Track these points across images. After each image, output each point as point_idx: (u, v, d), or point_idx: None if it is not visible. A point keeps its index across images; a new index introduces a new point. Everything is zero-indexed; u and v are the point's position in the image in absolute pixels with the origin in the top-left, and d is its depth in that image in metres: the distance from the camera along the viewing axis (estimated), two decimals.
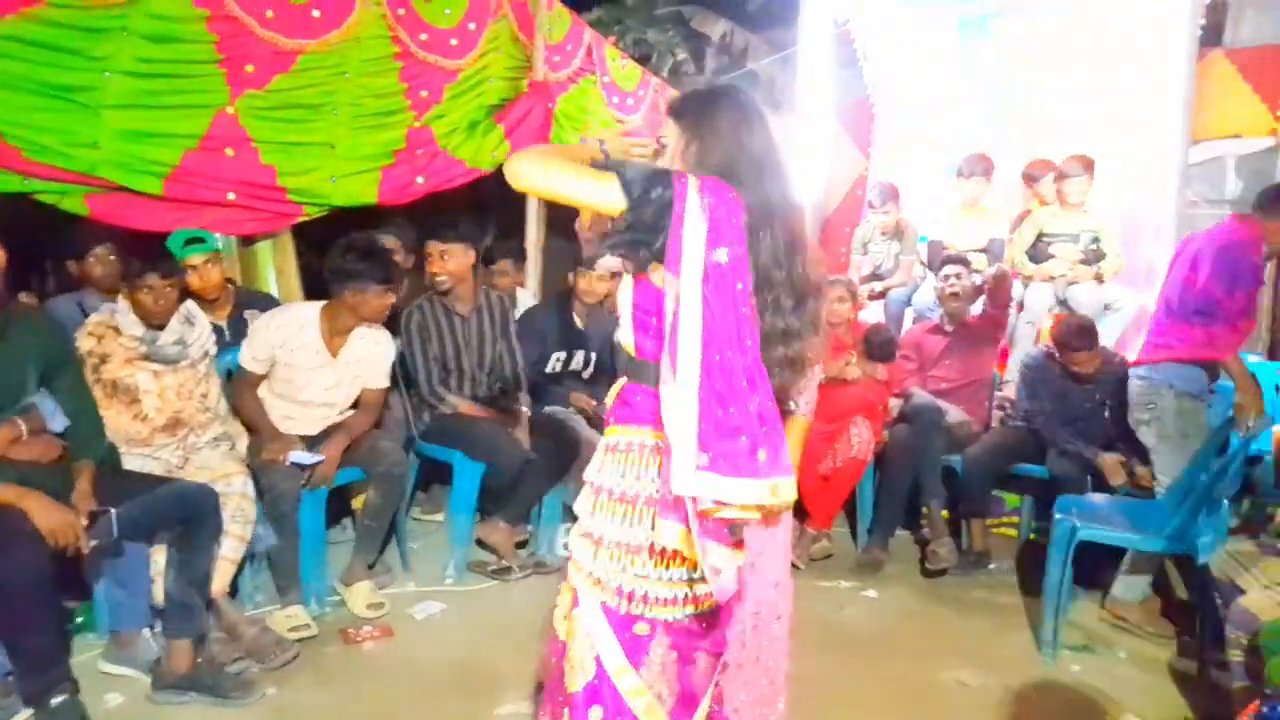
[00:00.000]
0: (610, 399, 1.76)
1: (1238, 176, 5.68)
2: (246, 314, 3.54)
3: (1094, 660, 3.16)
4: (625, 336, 1.71)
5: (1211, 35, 6.06)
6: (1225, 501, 3.21)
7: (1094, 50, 5.51)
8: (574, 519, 1.81)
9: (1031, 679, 3.00)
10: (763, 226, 1.66)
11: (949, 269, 4.36)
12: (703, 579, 1.57)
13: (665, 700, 1.68)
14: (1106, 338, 4.77)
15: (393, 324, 3.57)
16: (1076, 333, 3.92)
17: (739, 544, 1.60)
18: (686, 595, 1.67)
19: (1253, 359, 4.95)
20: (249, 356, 3.24)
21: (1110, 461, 3.74)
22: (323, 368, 3.28)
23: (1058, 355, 3.98)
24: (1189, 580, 3.27)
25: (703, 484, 1.48)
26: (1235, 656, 2.38)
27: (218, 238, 3.63)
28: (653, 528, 1.59)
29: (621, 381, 1.74)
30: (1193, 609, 3.32)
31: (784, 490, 1.57)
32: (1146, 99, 5.20)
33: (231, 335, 3.50)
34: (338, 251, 3.27)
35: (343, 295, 3.23)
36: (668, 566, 1.65)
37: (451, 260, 3.72)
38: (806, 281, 1.73)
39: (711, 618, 1.72)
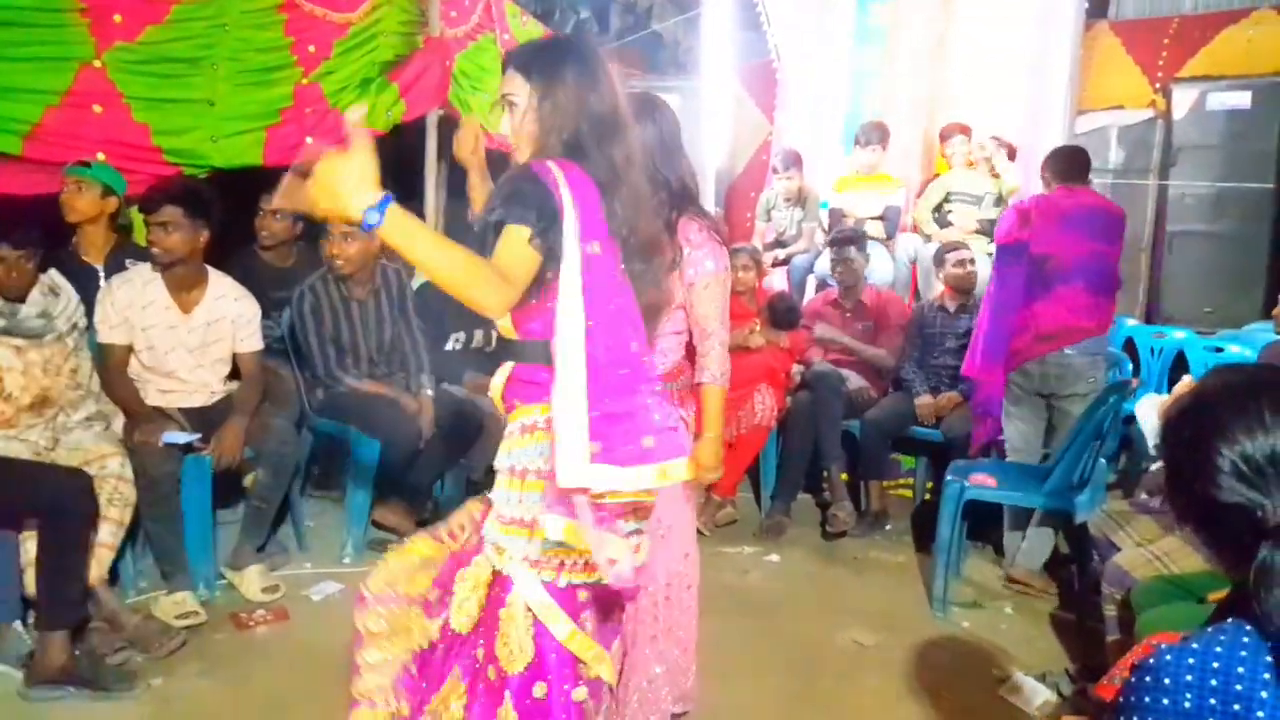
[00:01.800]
0: (500, 384, 1.69)
1: (1120, 147, 5.92)
2: (128, 262, 3.33)
3: (982, 615, 3.31)
4: (504, 320, 1.64)
5: (1096, 8, 6.27)
6: (1103, 461, 3.39)
7: (986, 18, 5.64)
8: (476, 495, 1.77)
9: (924, 636, 3.11)
10: (611, 193, 1.64)
11: (842, 251, 4.42)
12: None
13: None
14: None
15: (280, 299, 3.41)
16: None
17: (635, 533, 1.62)
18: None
19: (1130, 322, 5.23)
20: (104, 328, 3.05)
21: (923, 403, 4.06)
22: (176, 327, 3.12)
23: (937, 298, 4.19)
24: (1069, 536, 3.44)
25: (594, 476, 1.51)
26: (1110, 611, 2.51)
27: (110, 172, 3.40)
28: None
29: (510, 366, 1.68)
30: (1072, 563, 3.50)
31: (674, 471, 1.60)
32: (1034, 70, 5.36)
33: (107, 277, 3.29)
34: None
35: None
36: None
37: (354, 244, 3.54)
38: (651, 241, 1.76)
39: None
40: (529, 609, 1.61)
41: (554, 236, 1.54)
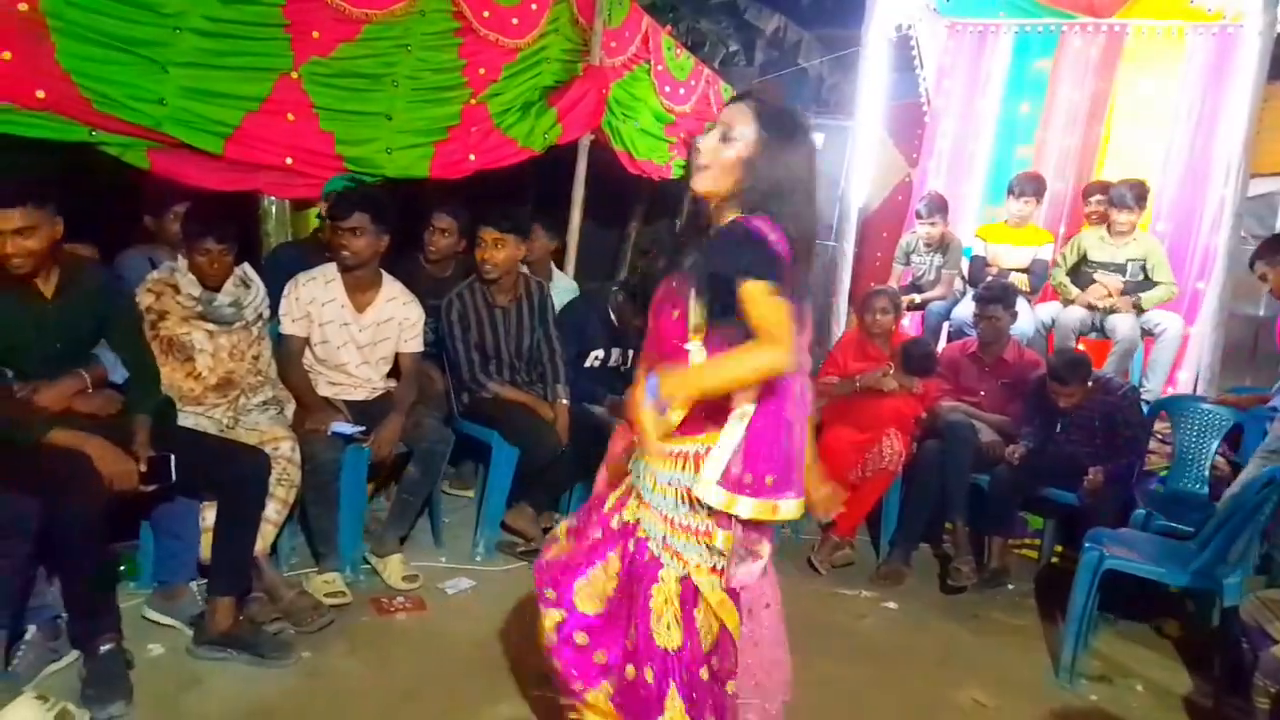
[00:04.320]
0: (681, 414, 1.82)
1: None
2: None
3: (1111, 690, 3.19)
4: (699, 355, 1.79)
5: (1273, 68, 6.00)
6: (1255, 542, 3.23)
7: (1156, 73, 5.48)
8: None
9: (1048, 706, 3.03)
10: (803, 259, 1.76)
11: (988, 308, 4.34)
12: None
13: None
14: (1152, 364, 4.79)
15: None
16: (1066, 365, 3.98)
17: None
18: None
19: None
20: (287, 320, 3.30)
21: (1092, 479, 3.82)
22: (350, 324, 3.34)
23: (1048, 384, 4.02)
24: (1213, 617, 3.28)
25: (725, 498, 1.78)
26: (1263, 704, 2.40)
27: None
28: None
29: None
30: (1213, 646, 3.34)
31: (785, 511, 1.84)
32: (1207, 128, 5.17)
33: None
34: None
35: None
36: None
37: (503, 250, 3.71)
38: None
39: None
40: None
41: (783, 287, 1.67)
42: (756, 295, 1.65)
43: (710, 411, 1.79)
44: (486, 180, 4.49)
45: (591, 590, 1.95)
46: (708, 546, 1.82)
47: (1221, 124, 5.13)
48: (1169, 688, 3.24)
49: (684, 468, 1.81)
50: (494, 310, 3.82)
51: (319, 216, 3.82)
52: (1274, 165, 5.87)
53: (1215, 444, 4.21)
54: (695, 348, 1.78)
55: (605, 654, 1.94)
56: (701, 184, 1.82)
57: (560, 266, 4.92)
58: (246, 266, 3.19)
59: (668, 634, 1.81)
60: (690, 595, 1.83)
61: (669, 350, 1.82)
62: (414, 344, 3.49)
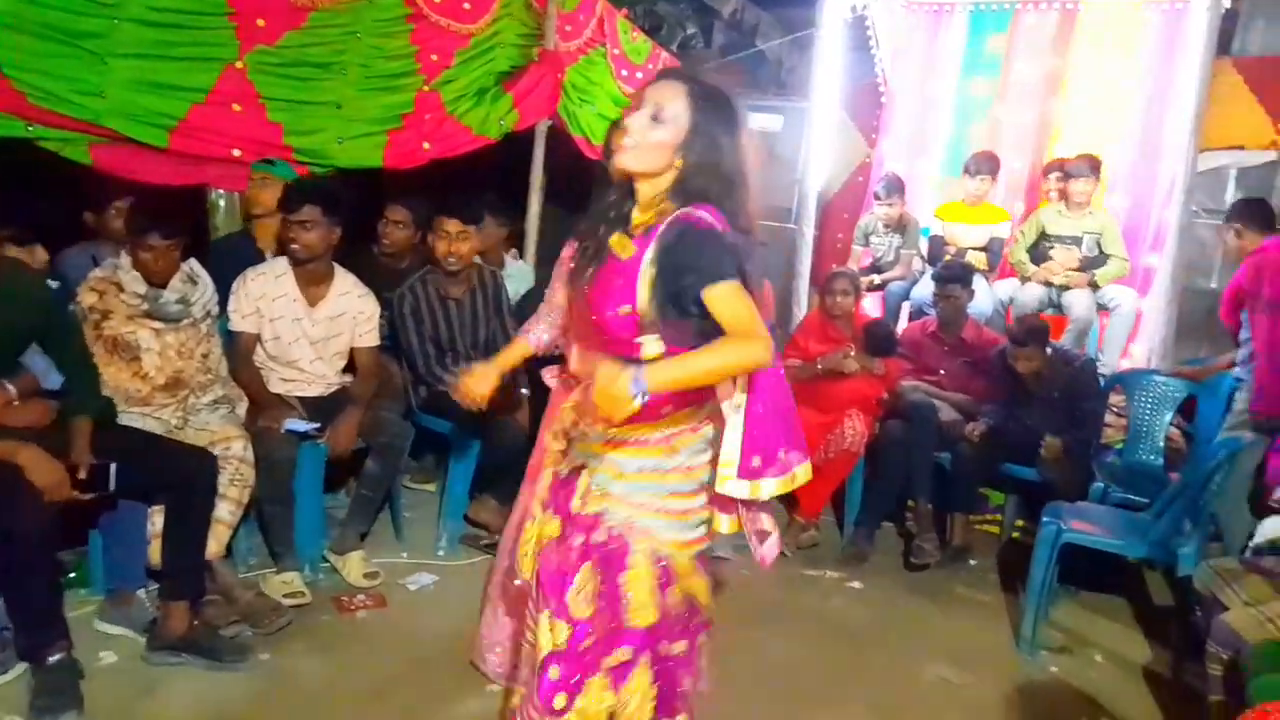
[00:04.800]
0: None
1: (1238, 189, 5.71)
2: None
3: (1072, 661, 3.24)
4: (655, 348, 1.73)
5: (1220, 43, 6.07)
6: (1209, 513, 3.29)
7: (1108, 50, 5.52)
8: None
9: (1011, 678, 3.07)
10: (749, 245, 1.74)
11: (947, 287, 4.37)
12: None
13: None
14: (1107, 339, 4.86)
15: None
16: (1025, 330, 4.06)
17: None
18: None
19: None
20: (236, 316, 3.23)
21: (1052, 444, 3.88)
22: (302, 319, 3.28)
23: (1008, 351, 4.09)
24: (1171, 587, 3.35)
25: (748, 487, 1.83)
26: (1215, 671, 2.44)
27: (290, 170, 3.66)
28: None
29: None
30: (1169, 615, 3.40)
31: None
32: (1158, 104, 5.22)
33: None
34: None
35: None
36: None
37: (467, 243, 3.68)
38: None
39: None
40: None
41: (751, 283, 1.68)
42: (727, 296, 1.62)
43: (673, 397, 1.76)
44: (444, 169, 4.43)
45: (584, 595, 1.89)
46: (689, 524, 1.82)
47: (1172, 100, 5.18)
48: (1127, 657, 3.30)
49: (662, 453, 1.79)
50: (447, 302, 3.77)
51: (247, 215, 3.74)
52: (1223, 140, 5.92)
53: (1169, 416, 4.28)
54: (650, 342, 1.73)
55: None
56: (628, 162, 1.73)
57: (520, 253, 4.87)
58: (193, 262, 3.11)
59: (642, 613, 1.79)
60: (665, 576, 1.81)
61: (618, 345, 1.76)
62: (369, 338, 3.43)
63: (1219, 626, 2.47)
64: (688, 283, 1.64)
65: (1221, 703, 2.42)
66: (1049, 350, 4.07)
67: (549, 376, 2.61)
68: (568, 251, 2.48)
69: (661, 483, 1.80)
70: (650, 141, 1.71)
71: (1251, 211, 3.94)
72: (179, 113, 3.50)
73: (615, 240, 1.78)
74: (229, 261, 3.32)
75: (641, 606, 1.78)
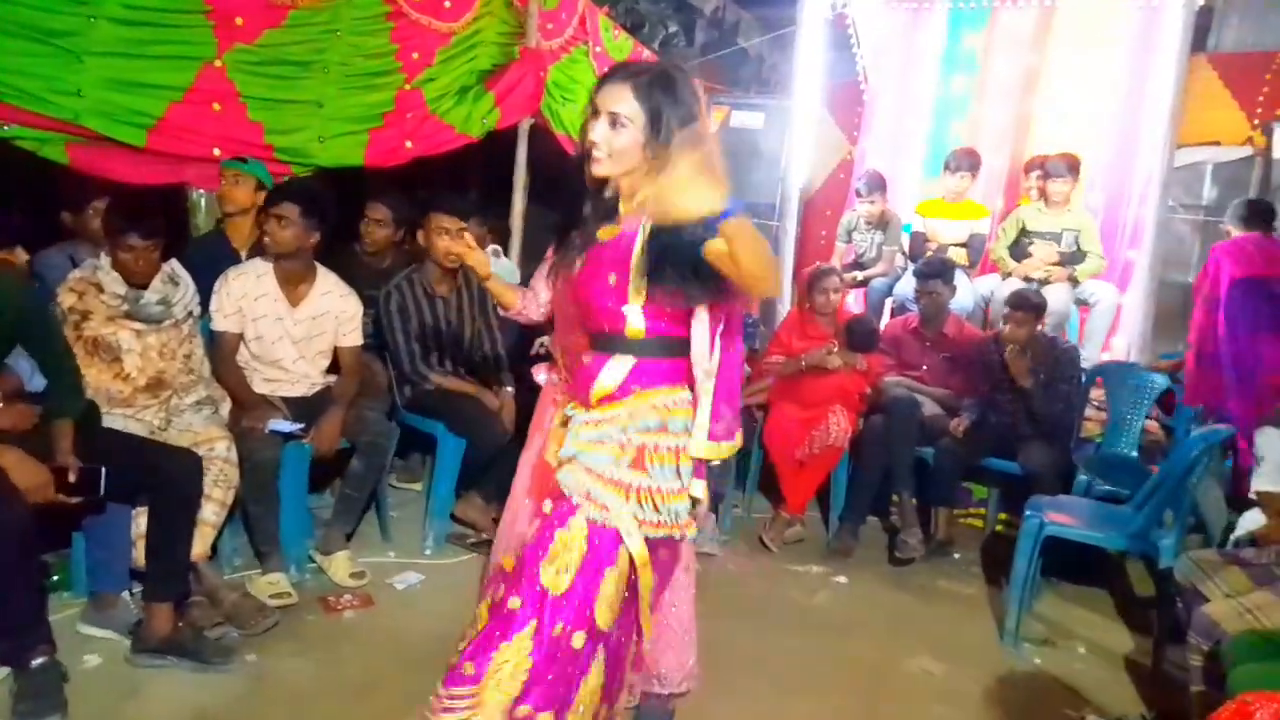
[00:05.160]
0: (619, 378, 1.85)
1: (1214, 184, 5.79)
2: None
3: (1055, 654, 3.27)
4: (638, 322, 1.82)
5: (1196, 40, 6.15)
6: (1189, 504, 3.32)
7: (1086, 46, 5.57)
8: None
9: (994, 670, 3.09)
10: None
11: (928, 283, 4.41)
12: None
13: None
14: (1088, 333, 4.91)
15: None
16: (1022, 297, 4.17)
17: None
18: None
19: None
20: (218, 316, 3.21)
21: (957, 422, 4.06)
22: (284, 319, 3.26)
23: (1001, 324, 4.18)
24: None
25: (712, 449, 1.87)
26: (1195, 661, 2.47)
27: (262, 168, 3.64)
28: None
29: (630, 361, 1.85)
30: (1151, 607, 3.44)
31: (738, 439, 1.94)
32: (1135, 101, 5.28)
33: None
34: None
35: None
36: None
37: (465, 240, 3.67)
38: None
39: None
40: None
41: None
42: (746, 229, 1.56)
43: (642, 376, 1.84)
44: (428, 168, 4.41)
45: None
46: (653, 504, 1.81)
47: (1149, 96, 5.24)
48: (1110, 648, 3.33)
49: (622, 426, 1.83)
50: (434, 300, 3.76)
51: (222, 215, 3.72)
52: (1199, 136, 6.01)
53: (1147, 408, 4.33)
54: (634, 311, 1.81)
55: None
56: (606, 171, 1.81)
57: (505, 250, 4.86)
58: (174, 262, 3.09)
59: (555, 578, 1.78)
60: (604, 551, 1.79)
61: (602, 316, 1.85)
62: (353, 337, 3.42)
63: (1199, 618, 2.50)
64: (686, 240, 1.64)
65: (1202, 693, 2.44)
66: (1039, 317, 4.15)
67: (538, 374, 2.62)
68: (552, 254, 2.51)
69: (619, 455, 1.81)
70: (618, 147, 1.78)
71: (1236, 208, 4.01)
72: (157, 111, 3.48)
73: (603, 231, 1.85)
74: (204, 261, 3.30)
75: (556, 570, 1.79)
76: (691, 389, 1.88)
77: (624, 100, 1.76)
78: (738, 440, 1.93)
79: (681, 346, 1.86)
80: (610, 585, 1.81)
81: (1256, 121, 5.96)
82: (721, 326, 1.85)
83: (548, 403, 2.55)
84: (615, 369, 1.85)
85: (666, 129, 1.74)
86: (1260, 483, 2.87)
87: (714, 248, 1.62)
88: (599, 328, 1.87)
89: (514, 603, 1.79)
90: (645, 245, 1.75)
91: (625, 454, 1.82)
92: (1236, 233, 4.05)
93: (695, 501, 1.90)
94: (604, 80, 1.83)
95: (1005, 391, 4.12)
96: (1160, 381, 4.38)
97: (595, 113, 1.79)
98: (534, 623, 1.77)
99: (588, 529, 1.80)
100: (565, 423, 1.95)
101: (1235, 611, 2.43)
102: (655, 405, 1.84)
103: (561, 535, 1.80)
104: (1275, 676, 2.08)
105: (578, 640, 1.79)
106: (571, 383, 2.01)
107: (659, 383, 1.86)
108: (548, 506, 1.87)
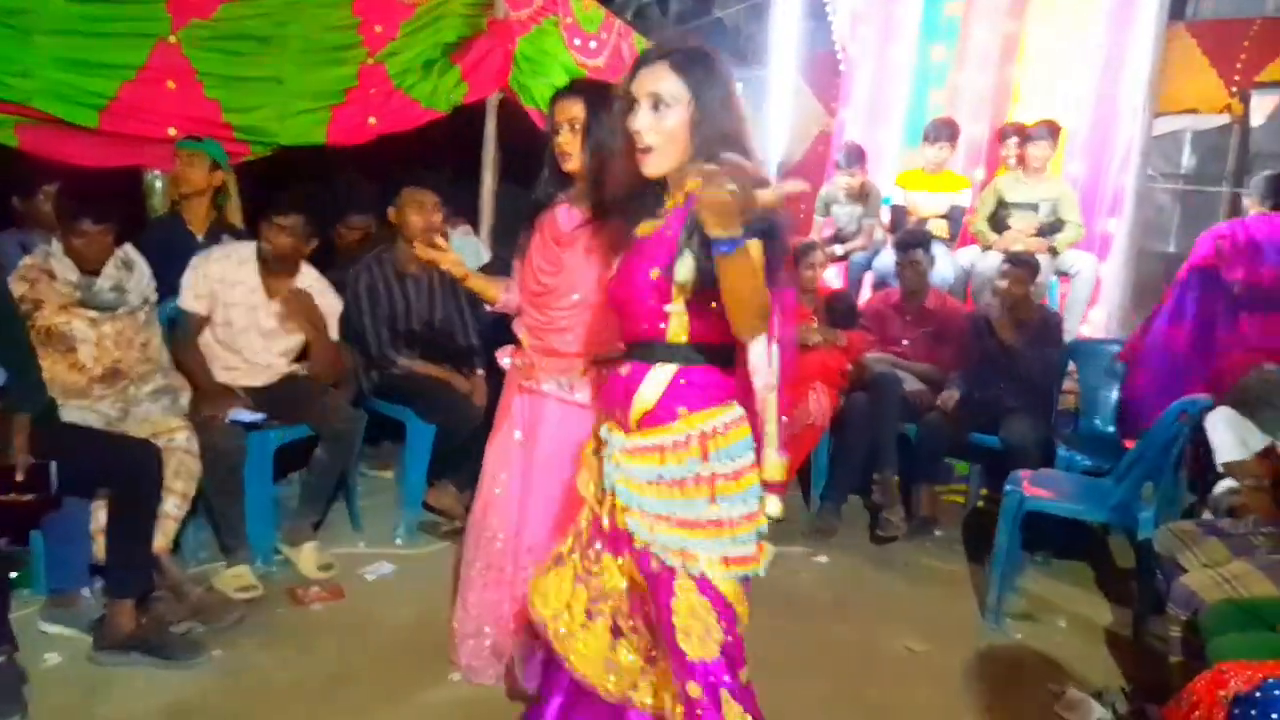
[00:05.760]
0: (660, 390, 1.67)
1: (1193, 152, 5.76)
2: (224, 237, 3.45)
3: (1037, 628, 3.25)
4: (681, 323, 1.64)
5: (1173, 8, 6.09)
6: (1169, 476, 3.31)
7: (1065, 14, 5.50)
8: None
9: (977, 646, 3.08)
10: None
11: (908, 254, 4.36)
12: None
13: None
14: (1069, 304, 4.89)
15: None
16: (1017, 257, 4.20)
17: None
18: None
19: None
20: (188, 294, 3.13)
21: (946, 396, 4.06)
22: (258, 309, 3.18)
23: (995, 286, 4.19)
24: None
25: (783, 465, 1.75)
26: (1175, 632, 2.45)
27: (218, 148, 3.56)
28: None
29: (672, 369, 1.67)
30: (1131, 579, 3.43)
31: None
32: (1114, 69, 5.22)
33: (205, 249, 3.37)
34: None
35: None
36: None
37: (439, 215, 3.60)
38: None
39: None
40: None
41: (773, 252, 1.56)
42: (749, 259, 1.48)
43: (689, 396, 1.67)
44: (397, 145, 4.30)
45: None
46: (731, 537, 1.65)
47: (1127, 65, 5.19)
48: (1091, 621, 3.32)
49: (663, 460, 1.65)
50: (405, 280, 3.67)
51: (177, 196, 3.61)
52: (1178, 104, 5.96)
53: (1118, 383, 4.31)
54: (677, 310, 1.64)
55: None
56: (657, 167, 1.65)
57: (474, 231, 4.78)
58: (128, 247, 2.99)
59: (701, 646, 1.65)
60: (713, 596, 1.66)
61: (642, 316, 1.67)
62: (330, 333, 3.33)
63: (1178, 588, 2.48)
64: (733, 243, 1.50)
65: (1182, 663, 2.43)
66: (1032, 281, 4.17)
67: (502, 358, 2.55)
68: (526, 240, 2.43)
69: (683, 497, 1.65)
70: (666, 132, 1.63)
71: (1260, 184, 3.93)
72: (109, 91, 3.38)
73: (644, 227, 1.71)
74: (159, 245, 3.20)
75: (698, 638, 1.65)
76: (742, 402, 1.70)
77: (664, 79, 1.62)
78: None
79: (728, 354, 1.68)
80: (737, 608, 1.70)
81: (1234, 89, 5.89)
82: (777, 334, 1.65)
83: (514, 388, 2.49)
84: (656, 379, 1.68)
85: (707, 111, 1.61)
86: (1224, 455, 2.86)
87: (723, 262, 1.49)
88: (638, 330, 1.69)
89: (694, 690, 1.67)
90: (684, 241, 1.59)
91: (692, 492, 1.64)
92: (1256, 209, 3.96)
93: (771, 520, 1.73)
94: (636, 67, 1.69)
95: (992, 362, 4.09)
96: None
97: (632, 103, 1.65)
98: (724, 691, 1.67)
99: (693, 584, 1.66)
100: (598, 449, 1.80)
101: (1213, 581, 2.41)
102: (705, 432, 1.64)
103: (678, 605, 1.66)
104: (1253, 645, 2.07)
105: (745, 675, 1.72)
106: (604, 398, 1.82)
107: (707, 403, 1.66)
108: (625, 564, 1.74)
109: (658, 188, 1.72)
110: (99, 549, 2.65)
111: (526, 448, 2.41)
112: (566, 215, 2.33)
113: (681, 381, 1.67)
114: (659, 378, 1.67)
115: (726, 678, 1.66)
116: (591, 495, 1.83)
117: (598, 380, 1.95)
